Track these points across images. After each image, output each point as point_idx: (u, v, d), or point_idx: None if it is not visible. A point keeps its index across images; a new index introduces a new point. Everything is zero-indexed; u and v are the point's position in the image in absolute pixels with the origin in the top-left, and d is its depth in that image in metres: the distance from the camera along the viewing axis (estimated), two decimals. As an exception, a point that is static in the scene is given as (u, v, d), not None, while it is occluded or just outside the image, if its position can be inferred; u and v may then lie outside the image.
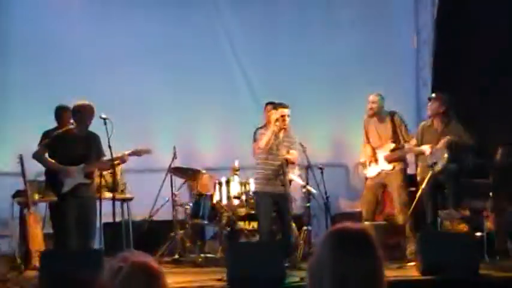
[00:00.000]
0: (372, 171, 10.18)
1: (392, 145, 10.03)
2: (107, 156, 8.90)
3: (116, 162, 9.11)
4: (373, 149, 10.14)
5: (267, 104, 10.75)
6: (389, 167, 10.01)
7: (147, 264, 2.71)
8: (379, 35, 12.60)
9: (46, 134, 9.21)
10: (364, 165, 10.35)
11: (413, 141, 10.06)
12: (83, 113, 8.76)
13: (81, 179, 8.76)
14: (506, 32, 10.50)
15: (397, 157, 10.06)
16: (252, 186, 10.07)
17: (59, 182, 8.74)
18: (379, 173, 10.11)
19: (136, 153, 9.10)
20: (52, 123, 9.60)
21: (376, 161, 10.11)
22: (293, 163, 9.66)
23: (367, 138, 10.30)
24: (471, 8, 11.34)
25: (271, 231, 9.67)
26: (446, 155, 9.60)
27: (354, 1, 12.45)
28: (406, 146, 10.07)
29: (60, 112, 9.51)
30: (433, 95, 10.57)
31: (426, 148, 9.76)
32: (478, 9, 11.07)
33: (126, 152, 9.04)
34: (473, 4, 11.27)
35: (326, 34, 12.34)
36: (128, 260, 2.67)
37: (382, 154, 10.05)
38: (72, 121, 8.89)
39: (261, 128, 10.68)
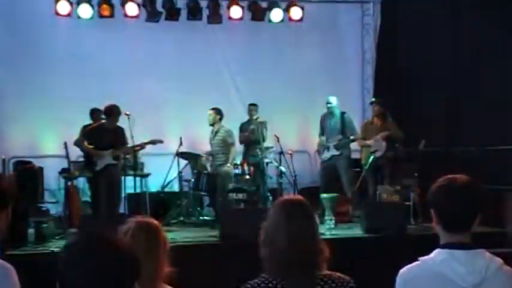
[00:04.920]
0: (325, 156, 10.18)
1: (341, 136, 10.05)
2: (130, 144, 8.91)
3: (136, 148, 9.12)
4: (326, 139, 10.15)
5: (250, 104, 10.75)
6: (338, 152, 10.02)
7: (147, 223, 2.76)
8: (335, 55, 12.62)
9: (84, 127, 9.21)
10: (319, 152, 10.36)
11: (358, 135, 10.12)
12: (112, 112, 8.78)
13: (110, 161, 8.76)
14: (427, 54, 10.53)
15: (343, 145, 10.06)
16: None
17: (93, 163, 8.74)
18: (331, 158, 10.10)
19: (151, 142, 9.15)
20: (87, 120, 9.60)
21: (328, 148, 10.12)
22: None
23: (322, 130, 10.29)
24: (404, 36, 11.37)
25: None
26: (384, 145, 9.66)
27: (316, 29, 12.40)
28: (352, 137, 10.11)
29: (93, 112, 9.58)
30: (373, 99, 10.61)
31: (370, 142, 9.84)
32: (409, 37, 11.10)
33: (144, 141, 9.05)
34: (405, 33, 11.29)
35: (295, 53, 12.31)
36: (132, 222, 2.73)
37: (332, 143, 10.06)
38: (103, 117, 8.92)
39: (245, 122, 10.70)
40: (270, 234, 2.71)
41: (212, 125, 10.23)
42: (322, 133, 10.30)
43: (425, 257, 2.58)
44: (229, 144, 10.17)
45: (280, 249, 2.64)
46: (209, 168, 10.19)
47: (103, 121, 8.92)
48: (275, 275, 2.65)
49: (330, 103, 10.13)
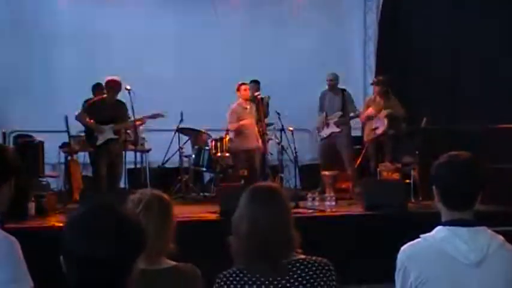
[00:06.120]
0: (324, 133, 10.14)
1: (340, 113, 10.00)
2: (131, 118, 8.87)
3: (137, 123, 9.08)
4: (325, 117, 10.09)
5: (251, 81, 10.69)
6: (337, 130, 9.98)
7: (161, 196, 2.76)
8: (337, 31, 12.58)
9: (85, 102, 9.17)
10: (319, 129, 10.31)
11: (359, 112, 10.07)
12: (113, 86, 8.72)
13: (110, 135, 8.72)
14: (430, 31, 10.48)
15: (344, 122, 10.01)
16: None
17: (94, 137, 8.71)
18: (330, 135, 10.06)
19: (153, 116, 9.06)
20: (88, 94, 9.56)
21: (327, 125, 10.07)
22: None
23: (322, 107, 10.23)
24: (406, 13, 11.32)
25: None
26: (386, 123, 9.64)
27: (318, 6, 12.34)
28: (352, 114, 10.06)
29: (95, 87, 9.63)
30: (375, 79, 10.57)
31: (370, 110, 9.81)
32: (411, 14, 11.05)
33: (146, 115, 9.00)
34: (408, 10, 11.24)
35: (297, 29, 12.27)
36: (147, 193, 2.72)
37: (332, 120, 10.01)
38: (105, 92, 8.87)
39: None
40: (236, 222, 2.67)
41: (247, 99, 9.89)
42: (321, 110, 10.25)
43: (427, 234, 2.58)
44: None
45: (243, 237, 2.60)
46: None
47: (104, 96, 8.88)
48: (244, 265, 2.61)
49: (330, 79, 10.08)
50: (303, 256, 2.65)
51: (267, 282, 2.57)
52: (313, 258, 2.65)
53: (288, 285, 2.57)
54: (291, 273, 2.58)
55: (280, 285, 2.57)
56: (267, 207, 2.64)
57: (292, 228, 2.66)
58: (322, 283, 2.59)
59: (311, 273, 2.59)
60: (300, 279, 2.58)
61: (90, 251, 1.66)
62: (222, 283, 2.60)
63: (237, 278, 2.59)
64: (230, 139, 9.89)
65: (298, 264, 2.60)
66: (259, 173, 9.69)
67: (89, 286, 1.70)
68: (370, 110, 9.84)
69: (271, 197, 2.69)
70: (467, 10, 9.80)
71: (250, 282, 2.57)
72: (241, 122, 9.69)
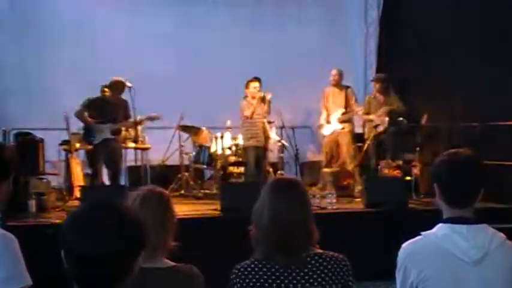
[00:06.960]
0: (327, 130, 10.12)
1: (343, 110, 9.98)
2: (132, 117, 8.87)
3: (136, 124, 9.09)
4: (328, 114, 10.07)
5: (253, 78, 10.66)
6: (340, 127, 9.97)
7: (159, 191, 2.75)
8: (338, 28, 12.54)
9: (87, 99, 9.16)
10: (321, 126, 10.30)
11: (361, 109, 10.05)
12: (117, 86, 8.77)
13: (107, 135, 8.73)
14: (431, 28, 10.46)
15: (346, 118, 9.99)
16: (240, 140, 10.08)
17: (92, 136, 8.72)
18: (333, 132, 10.04)
19: (149, 118, 9.05)
20: (89, 92, 9.56)
21: (330, 123, 10.05)
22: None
23: (325, 104, 10.21)
24: (407, 10, 11.30)
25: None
26: (387, 120, 9.63)
27: (319, 3, 12.32)
28: (351, 112, 10.04)
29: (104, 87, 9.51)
30: (375, 76, 10.57)
31: (373, 117, 9.80)
32: (412, 11, 11.03)
33: (142, 117, 9.00)
34: (409, 7, 11.22)
35: (298, 26, 12.25)
36: (144, 189, 2.71)
37: (334, 118, 9.99)
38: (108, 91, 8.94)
39: (246, 96, 10.61)
40: (257, 213, 2.68)
41: (254, 97, 9.84)
42: (324, 106, 10.23)
43: (428, 232, 2.57)
44: None
45: (264, 229, 2.61)
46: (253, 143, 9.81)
47: (106, 94, 8.91)
48: (263, 256, 2.61)
49: (334, 75, 10.06)
50: (320, 251, 2.68)
51: (285, 274, 2.59)
52: (330, 253, 2.67)
53: (307, 277, 2.59)
54: (309, 266, 2.61)
55: (298, 278, 2.59)
56: (288, 199, 2.65)
57: (312, 222, 2.68)
58: (339, 277, 2.62)
59: (329, 267, 2.62)
60: (318, 272, 2.60)
61: (91, 249, 1.65)
62: (240, 273, 2.61)
63: (256, 269, 2.60)
64: (240, 135, 9.93)
65: (316, 258, 2.63)
66: (263, 170, 9.69)
67: (89, 283, 1.70)
68: (373, 117, 9.85)
69: (292, 190, 2.71)
70: (468, 7, 9.78)
71: (269, 273, 2.59)
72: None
